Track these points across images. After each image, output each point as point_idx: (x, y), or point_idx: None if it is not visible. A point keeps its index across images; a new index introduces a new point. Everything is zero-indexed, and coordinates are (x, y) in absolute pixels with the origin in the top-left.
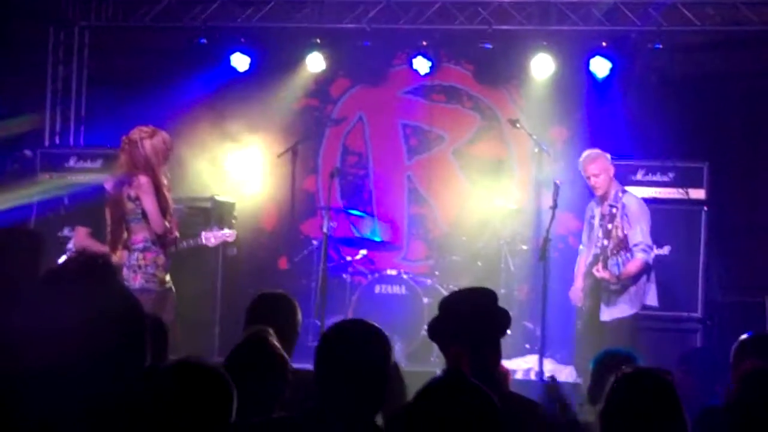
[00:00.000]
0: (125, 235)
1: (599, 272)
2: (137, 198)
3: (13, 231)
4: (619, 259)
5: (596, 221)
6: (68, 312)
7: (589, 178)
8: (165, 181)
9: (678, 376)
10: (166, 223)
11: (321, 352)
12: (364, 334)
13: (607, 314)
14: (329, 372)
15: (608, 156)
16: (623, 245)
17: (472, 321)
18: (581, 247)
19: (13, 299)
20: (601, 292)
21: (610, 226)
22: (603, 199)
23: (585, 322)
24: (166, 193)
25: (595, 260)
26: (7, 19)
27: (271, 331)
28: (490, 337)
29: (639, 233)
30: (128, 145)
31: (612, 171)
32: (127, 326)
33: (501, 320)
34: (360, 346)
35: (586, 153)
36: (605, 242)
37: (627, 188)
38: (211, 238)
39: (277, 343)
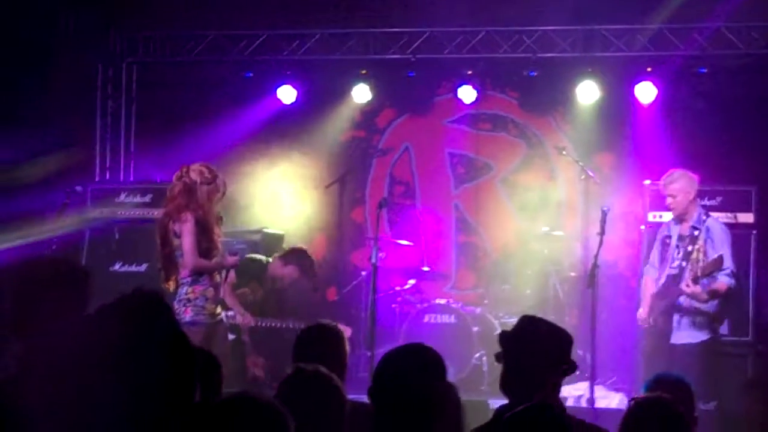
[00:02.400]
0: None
1: (689, 287)
2: (181, 234)
3: (55, 262)
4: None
5: (673, 241)
6: (117, 346)
7: (667, 197)
8: (215, 222)
9: (728, 402)
10: (204, 263)
11: (375, 379)
12: (414, 356)
13: (678, 337)
14: (384, 398)
15: (693, 177)
16: (715, 268)
17: (546, 360)
18: (647, 267)
19: (55, 332)
20: (677, 312)
21: (690, 248)
22: (683, 220)
23: (656, 343)
24: (214, 234)
25: (671, 281)
26: (58, 55)
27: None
28: (557, 373)
29: (727, 258)
30: (187, 180)
31: (693, 193)
32: (176, 362)
33: (571, 368)
34: (411, 367)
35: (669, 172)
36: (683, 264)
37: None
38: (237, 317)
39: (333, 376)
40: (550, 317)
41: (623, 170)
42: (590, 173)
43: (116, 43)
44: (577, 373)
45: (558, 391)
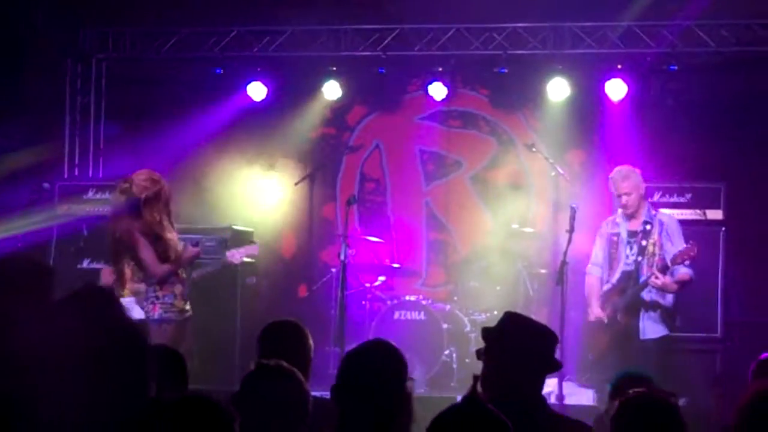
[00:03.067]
0: (126, 268)
1: (659, 279)
2: (138, 251)
3: (18, 259)
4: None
5: (623, 238)
6: (66, 341)
7: (620, 196)
8: (165, 224)
9: (698, 399)
10: (167, 267)
11: (340, 373)
12: (380, 353)
13: (650, 332)
14: (347, 391)
15: (638, 172)
16: (685, 258)
17: (532, 357)
18: (591, 266)
19: (14, 327)
20: (644, 307)
21: (644, 242)
22: (632, 216)
23: (617, 340)
24: (167, 237)
25: (626, 277)
26: (26, 52)
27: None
28: (542, 370)
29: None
30: (131, 196)
31: (643, 188)
32: (127, 357)
33: (555, 366)
34: (376, 364)
35: (617, 169)
36: (639, 259)
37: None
38: (236, 255)
39: (295, 372)
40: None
41: (593, 167)
42: (560, 170)
43: (86, 39)
44: None
45: (541, 388)
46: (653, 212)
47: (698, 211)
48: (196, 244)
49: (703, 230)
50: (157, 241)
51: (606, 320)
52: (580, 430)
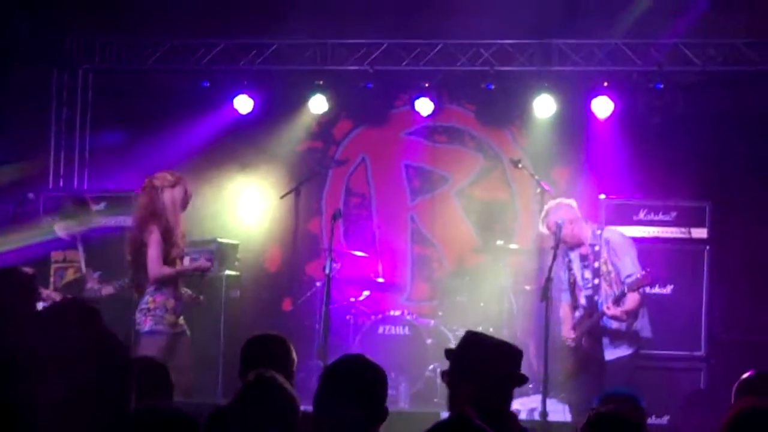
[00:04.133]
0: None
1: (610, 310)
2: (147, 245)
3: (2, 270)
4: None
5: (576, 264)
6: (46, 354)
7: (552, 236)
8: (179, 230)
9: (681, 417)
10: (167, 270)
11: (319, 386)
12: (357, 366)
13: (610, 353)
14: (325, 404)
15: (571, 202)
16: (642, 284)
17: (495, 375)
18: (562, 293)
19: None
20: (603, 332)
21: (596, 264)
22: (577, 245)
23: (582, 361)
24: (179, 242)
25: (590, 301)
26: (11, 61)
27: (273, 372)
28: (495, 376)
29: (630, 263)
30: (149, 189)
31: (576, 216)
32: (107, 370)
33: (521, 380)
34: (354, 378)
35: (544, 210)
36: (596, 281)
37: (625, 227)
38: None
39: (286, 384)
40: (504, 330)
41: (579, 184)
42: (546, 187)
43: (72, 49)
44: (530, 386)
45: (508, 403)
46: (598, 232)
47: (683, 229)
48: (209, 260)
49: (688, 249)
50: (168, 242)
51: (573, 343)
52: None
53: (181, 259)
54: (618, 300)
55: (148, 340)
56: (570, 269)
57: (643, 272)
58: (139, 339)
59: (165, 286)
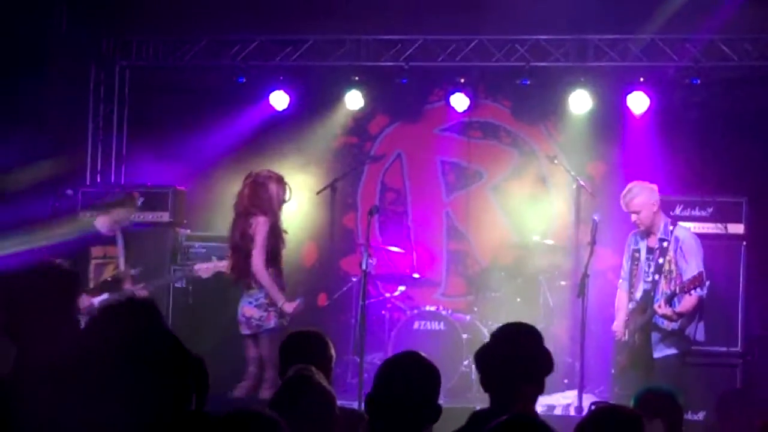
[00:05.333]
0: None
1: (661, 309)
2: (254, 235)
3: (46, 267)
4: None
5: (642, 255)
6: (111, 355)
7: (631, 214)
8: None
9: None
10: (266, 276)
11: (375, 386)
12: (415, 365)
13: (659, 352)
14: (380, 406)
15: (654, 187)
16: (696, 285)
17: (536, 360)
18: (621, 280)
19: (46, 338)
20: (654, 328)
21: (661, 260)
22: (650, 232)
23: (633, 357)
24: (281, 237)
25: (646, 295)
26: (49, 58)
27: (313, 369)
28: (544, 376)
29: (695, 267)
30: (253, 183)
31: (657, 204)
32: (171, 369)
33: (547, 362)
34: (412, 376)
35: (627, 188)
36: (656, 277)
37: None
38: (203, 268)
39: (323, 381)
40: (540, 326)
41: (615, 180)
42: (582, 183)
43: (109, 47)
44: (566, 381)
45: (533, 401)
46: (671, 227)
47: (719, 225)
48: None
49: (725, 244)
50: (273, 234)
51: (624, 337)
52: None
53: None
54: (670, 299)
55: (274, 336)
56: (636, 259)
57: (696, 274)
58: (260, 335)
59: (275, 277)
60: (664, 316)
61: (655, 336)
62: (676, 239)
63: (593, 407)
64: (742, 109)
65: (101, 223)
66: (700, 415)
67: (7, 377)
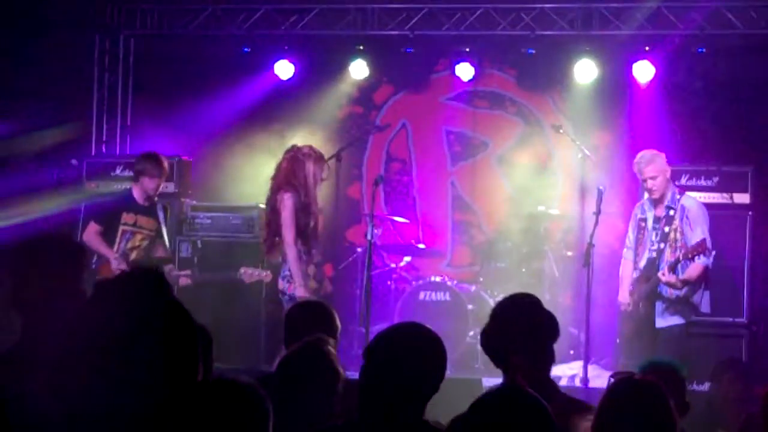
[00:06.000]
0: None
1: (665, 276)
2: (280, 210)
3: (52, 239)
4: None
5: (649, 224)
6: (119, 325)
7: (645, 180)
8: (316, 205)
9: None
10: (293, 252)
11: (367, 357)
12: (411, 338)
13: (663, 321)
14: (372, 372)
15: (663, 156)
16: (699, 251)
17: (526, 329)
18: (626, 250)
19: (53, 309)
20: (658, 297)
21: (667, 228)
22: (658, 201)
23: (638, 327)
24: (313, 215)
25: (650, 264)
26: (53, 27)
27: (330, 340)
28: (544, 343)
29: (701, 235)
30: (292, 158)
31: (668, 172)
32: (179, 339)
33: (551, 325)
34: (406, 350)
35: (641, 154)
36: (661, 245)
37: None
38: (248, 274)
39: (333, 351)
40: (545, 296)
41: (620, 149)
42: (587, 152)
43: (113, 16)
44: (571, 352)
45: (531, 370)
46: (678, 197)
47: (725, 194)
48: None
49: (730, 214)
50: (303, 210)
51: (629, 307)
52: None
53: (310, 234)
54: (673, 267)
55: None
56: (642, 228)
57: (699, 240)
58: (286, 304)
59: (304, 253)
60: (668, 284)
61: (659, 305)
62: (683, 208)
63: (612, 380)
64: (748, 78)
65: (136, 191)
66: (705, 386)
67: (14, 348)
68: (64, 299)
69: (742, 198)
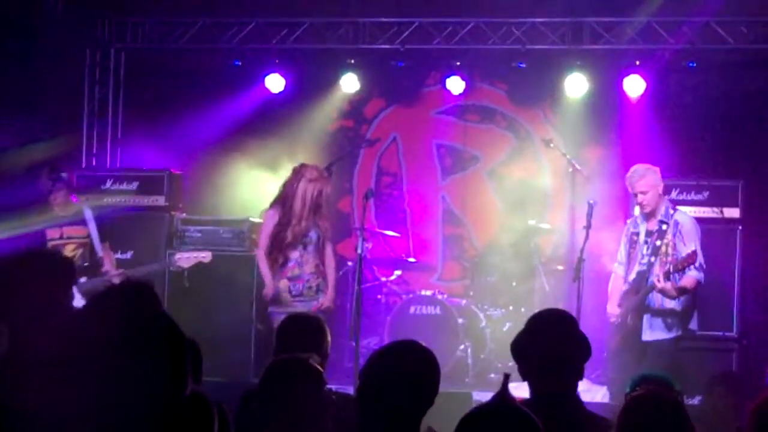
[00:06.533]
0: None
1: (660, 283)
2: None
3: (40, 254)
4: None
5: (641, 237)
6: (108, 338)
7: (636, 195)
8: (303, 223)
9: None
10: (260, 263)
11: (363, 376)
12: (406, 353)
13: (650, 334)
14: (368, 391)
15: (657, 170)
16: (689, 262)
17: (563, 345)
18: (616, 264)
19: (38, 322)
20: (646, 310)
21: (659, 242)
22: (651, 215)
23: (625, 340)
24: (294, 231)
25: (640, 277)
26: (44, 40)
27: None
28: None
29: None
30: (292, 173)
31: (661, 186)
32: (167, 353)
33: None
34: (400, 366)
35: (633, 169)
36: (652, 259)
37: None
38: (183, 258)
39: (316, 366)
40: (536, 310)
41: (611, 163)
42: (577, 166)
43: (105, 29)
44: None
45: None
46: (671, 211)
47: (715, 209)
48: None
49: (720, 228)
50: (277, 229)
51: (617, 320)
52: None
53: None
54: (668, 274)
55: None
56: (634, 242)
57: (690, 252)
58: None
59: (280, 266)
60: (662, 291)
61: (647, 317)
62: (676, 223)
63: (628, 397)
64: (738, 92)
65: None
66: (696, 400)
67: (2, 360)
68: (51, 313)
69: (732, 212)
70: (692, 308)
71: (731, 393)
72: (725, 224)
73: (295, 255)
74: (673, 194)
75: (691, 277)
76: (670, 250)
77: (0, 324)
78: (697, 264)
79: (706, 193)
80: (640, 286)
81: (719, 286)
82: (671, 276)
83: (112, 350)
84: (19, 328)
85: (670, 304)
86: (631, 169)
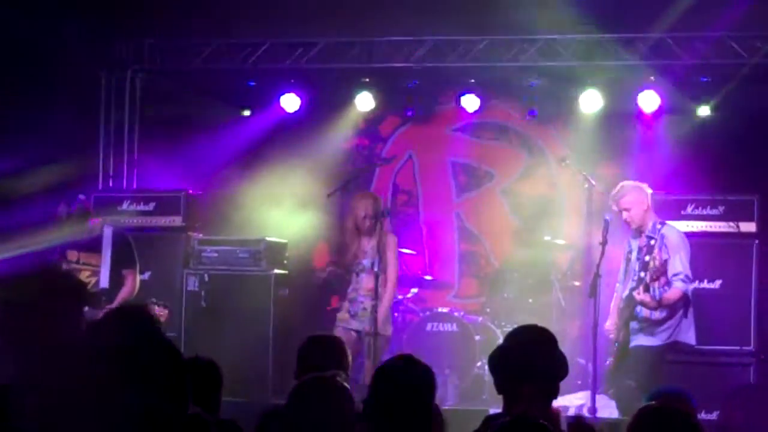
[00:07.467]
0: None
1: (639, 295)
2: None
3: (51, 273)
4: (656, 286)
5: (633, 255)
6: (108, 362)
7: (620, 212)
8: (354, 246)
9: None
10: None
11: (372, 388)
12: (409, 371)
13: (634, 341)
14: (376, 408)
15: (644, 186)
16: (662, 272)
17: (537, 363)
18: (618, 284)
19: (51, 346)
20: (633, 319)
21: (647, 258)
22: (639, 232)
23: (618, 352)
24: (348, 250)
25: (631, 293)
26: (61, 63)
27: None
28: (554, 379)
29: (678, 263)
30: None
31: (647, 202)
32: (163, 375)
33: (563, 365)
34: (405, 382)
35: (620, 185)
36: (642, 274)
37: (673, 222)
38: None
39: (343, 383)
40: (554, 327)
41: (626, 179)
42: (593, 182)
43: (121, 51)
44: (579, 382)
45: (540, 401)
46: (658, 226)
47: (731, 223)
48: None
49: (736, 243)
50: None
51: (612, 336)
52: None
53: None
54: (647, 287)
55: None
56: (628, 260)
57: (662, 261)
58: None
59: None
60: (642, 302)
61: (632, 325)
62: (662, 236)
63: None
64: (753, 107)
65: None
66: (714, 415)
67: (9, 386)
68: (58, 335)
69: (749, 227)
70: (681, 318)
71: (750, 407)
72: (741, 239)
73: (353, 279)
74: (689, 209)
75: (677, 288)
76: (657, 264)
77: (8, 347)
78: (682, 276)
79: (721, 208)
80: (632, 301)
81: (736, 301)
82: (650, 287)
83: (114, 375)
84: (23, 351)
85: (654, 314)
86: (617, 186)
